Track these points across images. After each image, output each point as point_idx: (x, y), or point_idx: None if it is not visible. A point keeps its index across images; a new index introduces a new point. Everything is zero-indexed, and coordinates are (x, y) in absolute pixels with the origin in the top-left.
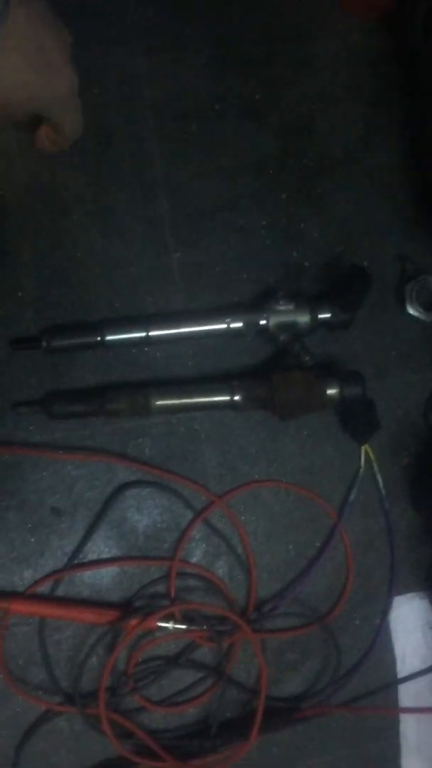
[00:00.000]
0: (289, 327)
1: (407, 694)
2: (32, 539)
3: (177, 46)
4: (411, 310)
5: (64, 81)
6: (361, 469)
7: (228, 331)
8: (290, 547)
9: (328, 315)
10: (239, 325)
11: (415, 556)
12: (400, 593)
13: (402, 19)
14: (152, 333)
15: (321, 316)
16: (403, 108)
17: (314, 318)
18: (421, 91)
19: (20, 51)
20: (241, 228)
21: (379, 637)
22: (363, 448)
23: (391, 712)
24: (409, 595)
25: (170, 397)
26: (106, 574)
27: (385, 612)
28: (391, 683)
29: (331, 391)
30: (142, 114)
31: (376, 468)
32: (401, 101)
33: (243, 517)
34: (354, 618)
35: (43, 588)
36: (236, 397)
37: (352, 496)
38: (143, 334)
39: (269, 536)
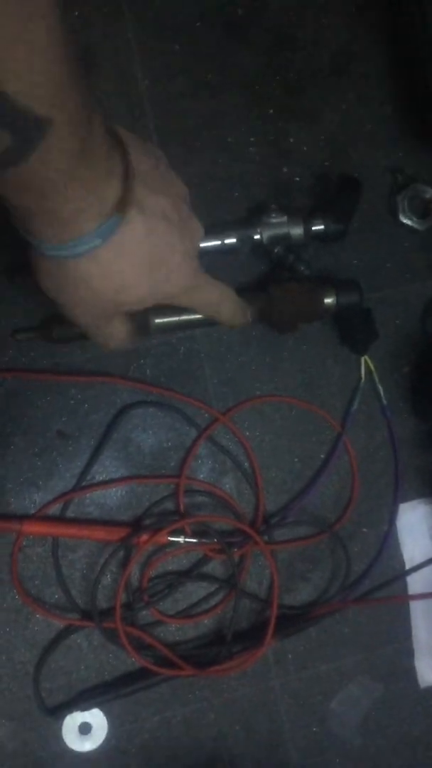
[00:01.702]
0: (283, 239)
1: (417, 591)
2: (39, 463)
3: None
4: (404, 219)
5: (180, 280)
6: (362, 380)
7: (222, 248)
8: (295, 459)
9: (321, 226)
10: (233, 240)
11: (419, 462)
12: (405, 500)
13: None
14: None
15: (314, 227)
16: (388, 15)
17: (308, 229)
18: None
19: (132, 256)
20: (229, 145)
21: (387, 543)
22: (363, 359)
23: (402, 599)
24: (414, 502)
25: (169, 314)
26: (115, 494)
27: (391, 519)
28: (400, 575)
29: (328, 300)
30: (124, 34)
31: (376, 378)
32: (385, 8)
33: (247, 433)
34: (361, 526)
35: (54, 510)
36: None
37: (354, 407)
38: None
39: (274, 450)
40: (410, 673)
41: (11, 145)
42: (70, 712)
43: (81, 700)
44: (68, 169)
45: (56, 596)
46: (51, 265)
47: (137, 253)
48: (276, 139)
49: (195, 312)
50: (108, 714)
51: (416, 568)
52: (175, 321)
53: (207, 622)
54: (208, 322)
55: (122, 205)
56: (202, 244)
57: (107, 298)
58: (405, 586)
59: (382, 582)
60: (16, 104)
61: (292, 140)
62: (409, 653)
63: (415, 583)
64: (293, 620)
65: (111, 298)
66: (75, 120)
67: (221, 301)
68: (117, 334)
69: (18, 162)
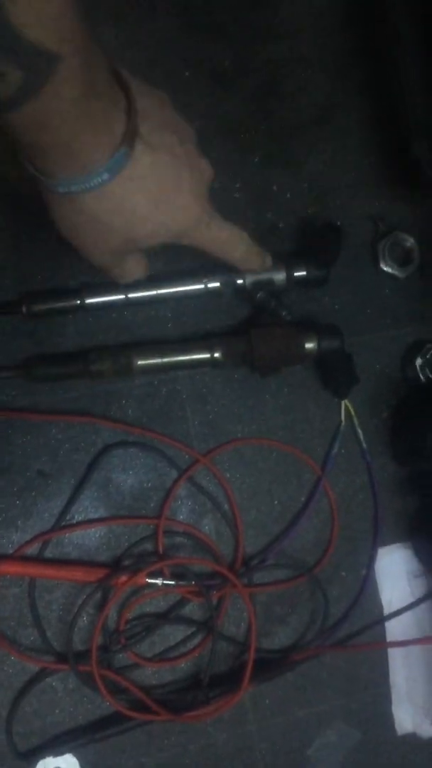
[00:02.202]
0: (266, 285)
1: (395, 637)
2: (18, 502)
3: (144, 15)
4: (385, 267)
5: (188, 214)
6: (342, 424)
7: (206, 291)
8: (275, 502)
9: (303, 272)
10: (216, 284)
11: (398, 507)
12: (384, 544)
13: None
14: (131, 295)
15: (297, 273)
16: (372, 67)
17: (290, 275)
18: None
19: (140, 191)
20: (214, 190)
21: (366, 587)
22: (343, 403)
23: (380, 646)
24: (393, 546)
25: (152, 356)
26: (94, 535)
27: (370, 562)
28: (378, 620)
29: (309, 345)
30: None
31: (356, 422)
32: (369, 62)
33: (228, 475)
34: (340, 569)
35: (32, 550)
36: (216, 354)
37: (334, 451)
38: (122, 296)
39: (254, 492)
40: (388, 719)
41: (23, 83)
42: (43, 757)
43: (54, 744)
44: (77, 103)
45: (32, 638)
46: (63, 202)
47: (146, 187)
48: (260, 186)
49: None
50: (82, 759)
51: (394, 614)
52: (158, 363)
53: (184, 666)
54: (191, 364)
55: (129, 138)
56: (186, 288)
57: (119, 234)
58: (383, 631)
59: (361, 627)
60: (28, 39)
61: (275, 187)
62: (386, 699)
63: (394, 629)
64: (271, 665)
65: (122, 234)
66: (83, 55)
67: (232, 241)
68: (131, 271)
69: (29, 98)
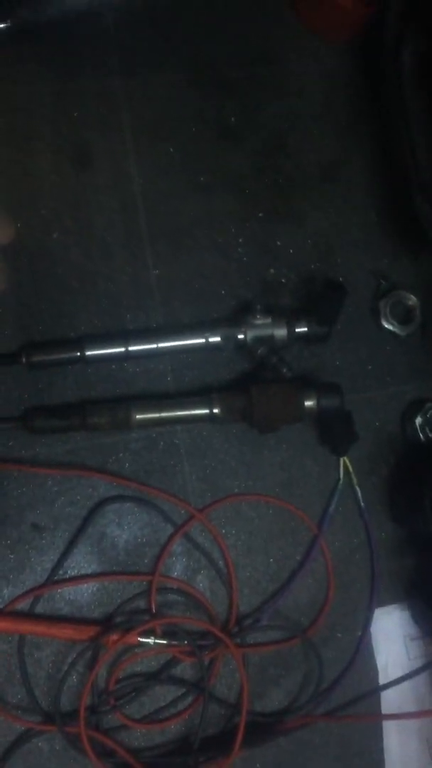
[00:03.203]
0: (267, 340)
1: (390, 705)
2: (11, 555)
3: (154, 69)
4: (386, 325)
5: None
6: (340, 482)
7: (206, 346)
8: (271, 560)
9: (305, 328)
10: (217, 339)
11: (396, 567)
12: (381, 605)
13: (373, 42)
14: (132, 348)
15: (298, 329)
16: (376, 126)
17: (291, 331)
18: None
19: None
20: (218, 244)
21: (361, 650)
22: (342, 461)
23: (374, 719)
24: (389, 607)
25: (150, 410)
26: (86, 590)
27: (366, 624)
28: (373, 690)
29: (309, 403)
30: (120, 135)
31: (354, 480)
32: (374, 119)
33: (223, 531)
34: (336, 630)
35: (23, 605)
36: (215, 410)
37: (331, 509)
38: (123, 350)
39: (250, 550)
40: None
41: None
42: None
43: None
44: None
45: (19, 696)
46: None
47: None
48: (264, 241)
49: (180, 411)
50: None
51: (390, 684)
52: (157, 417)
53: (174, 728)
54: (189, 419)
55: None
56: (187, 342)
57: None
58: (378, 697)
59: (355, 696)
60: None
61: (279, 242)
62: (380, 766)
63: (389, 696)
64: (263, 728)
65: None
66: None
67: None
68: None
69: None
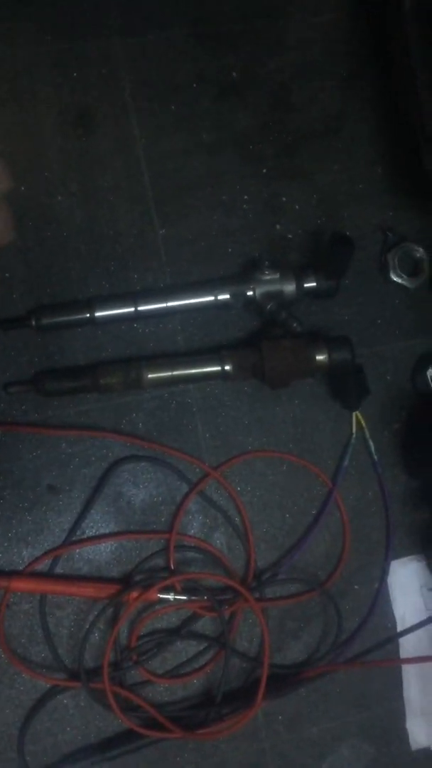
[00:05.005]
0: (276, 296)
1: (408, 653)
2: (29, 517)
3: (153, 27)
4: (394, 277)
5: None
6: (353, 436)
7: (215, 303)
8: (287, 515)
9: (313, 283)
10: (226, 296)
11: (410, 519)
12: (396, 557)
13: None
14: (141, 308)
15: (306, 284)
16: (379, 79)
17: (300, 286)
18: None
19: None
20: (223, 203)
21: (379, 601)
22: (354, 415)
23: (393, 663)
24: (405, 559)
25: (162, 369)
26: (105, 550)
27: (383, 576)
28: (392, 637)
29: (320, 357)
30: (121, 95)
31: (367, 434)
32: (376, 73)
33: (238, 488)
34: (353, 583)
35: (42, 566)
36: (227, 367)
37: (345, 463)
38: (132, 310)
39: (265, 506)
40: (402, 734)
41: None
42: None
43: (66, 763)
44: None
45: (42, 655)
46: None
47: None
48: (269, 198)
49: (191, 369)
50: None
51: (408, 631)
52: (168, 376)
53: (196, 682)
54: (201, 377)
55: None
56: (196, 300)
57: None
58: (397, 646)
59: (374, 643)
60: None
61: (284, 199)
62: (400, 714)
63: (407, 643)
64: (284, 680)
65: None
66: None
67: None
68: None
69: None
